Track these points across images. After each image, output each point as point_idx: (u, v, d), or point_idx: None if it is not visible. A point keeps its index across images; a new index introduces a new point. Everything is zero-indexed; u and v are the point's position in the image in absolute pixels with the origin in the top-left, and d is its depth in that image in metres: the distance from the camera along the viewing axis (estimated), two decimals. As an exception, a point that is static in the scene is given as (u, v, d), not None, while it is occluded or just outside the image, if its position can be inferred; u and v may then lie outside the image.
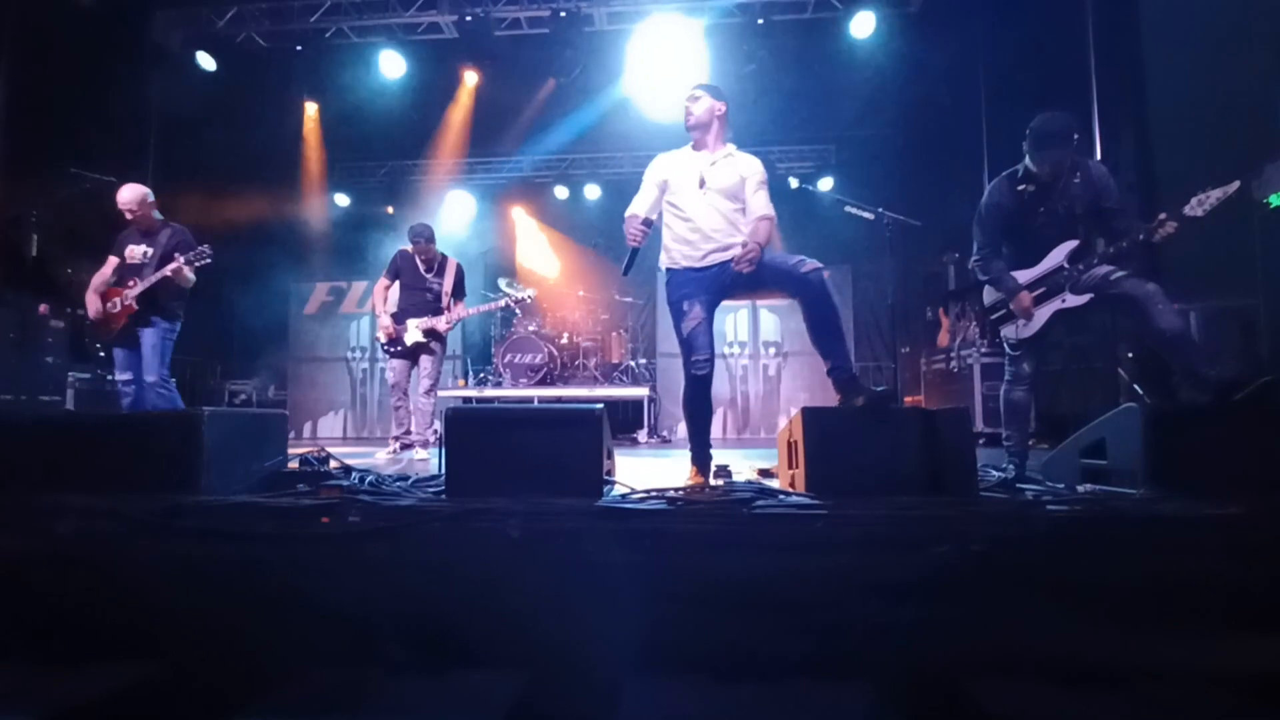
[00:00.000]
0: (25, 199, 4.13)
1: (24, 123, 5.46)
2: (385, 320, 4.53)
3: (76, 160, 4.15)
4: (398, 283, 4.66)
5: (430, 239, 4.57)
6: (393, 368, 4.62)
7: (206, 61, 6.90)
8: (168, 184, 7.34)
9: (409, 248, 4.60)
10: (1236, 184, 2.43)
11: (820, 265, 2.53)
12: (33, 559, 1.70)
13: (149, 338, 3.74)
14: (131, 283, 3.74)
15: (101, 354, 3.98)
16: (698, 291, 2.69)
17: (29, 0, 5.58)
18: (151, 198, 3.87)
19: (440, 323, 4.54)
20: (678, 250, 2.77)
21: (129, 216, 3.82)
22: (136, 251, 3.83)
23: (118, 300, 3.75)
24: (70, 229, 4.81)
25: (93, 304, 3.83)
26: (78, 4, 5.82)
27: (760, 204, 2.75)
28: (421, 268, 4.59)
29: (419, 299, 4.57)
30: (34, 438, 2.16)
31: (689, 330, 2.66)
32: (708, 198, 2.75)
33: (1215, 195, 2.43)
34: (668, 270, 2.82)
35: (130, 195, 3.81)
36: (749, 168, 2.81)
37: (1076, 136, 2.66)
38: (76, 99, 5.78)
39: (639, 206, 2.85)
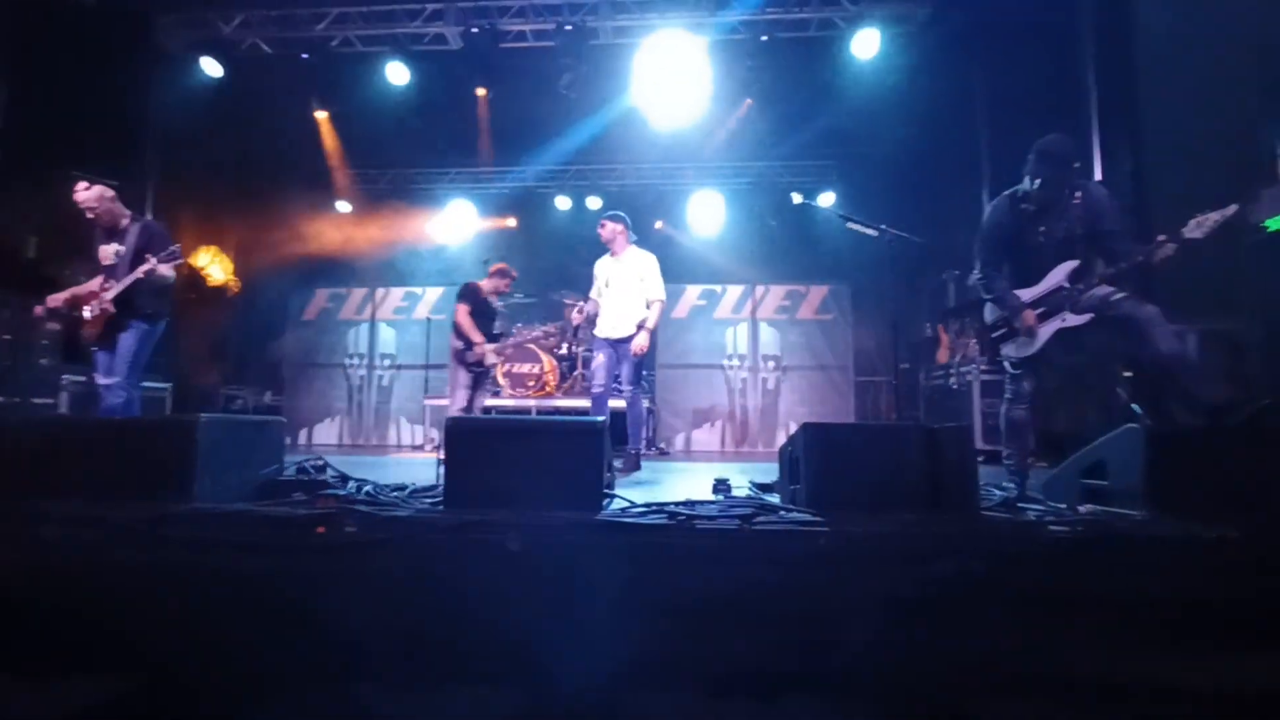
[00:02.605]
0: (24, 200, 4.12)
1: (25, 123, 5.45)
2: (487, 345, 4.75)
3: (77, 163, 4.13)
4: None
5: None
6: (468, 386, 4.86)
7: (212, 67, 6.92)
8: (169, 188, 7.39)
9: (481, 282, 4.94)
10: (1235, 207, 2.45)
11: None
12: (15, 567, 1.67)
13: (125, 340, 3.60)
14: (107, 285, 3.59)
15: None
16: (604, 348, 4.21)
17: (32, 1, 5.60)
18: (111, 194, 3.70)
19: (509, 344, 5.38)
20: (600, 326, 4.27)
21: (89, 215, 3.66)
22: (108, 251, 3.67)
23: (95, 304, 3.59)
24: (68, 231, 4.81)
25: (61, 296, 3.67)
26: (81, 6, 5.84)
27: (655, 289, 4.22)
28: (493, 300, 5.01)
29: (488, 327, 4.93)
30: (25, 442, 2.14)
31: (593, 366, 4.24)
32: (615, 292, 4.23)
33: (1214, 218, 2.45)
34: (594, 335, 4.33)
35: (89, 193, 3.64)
36: (644, 264, 4.25)
37: (1077, 165, 2.68)
38: (79, 101, 5.78)
39: (595, 293, 4.37)
